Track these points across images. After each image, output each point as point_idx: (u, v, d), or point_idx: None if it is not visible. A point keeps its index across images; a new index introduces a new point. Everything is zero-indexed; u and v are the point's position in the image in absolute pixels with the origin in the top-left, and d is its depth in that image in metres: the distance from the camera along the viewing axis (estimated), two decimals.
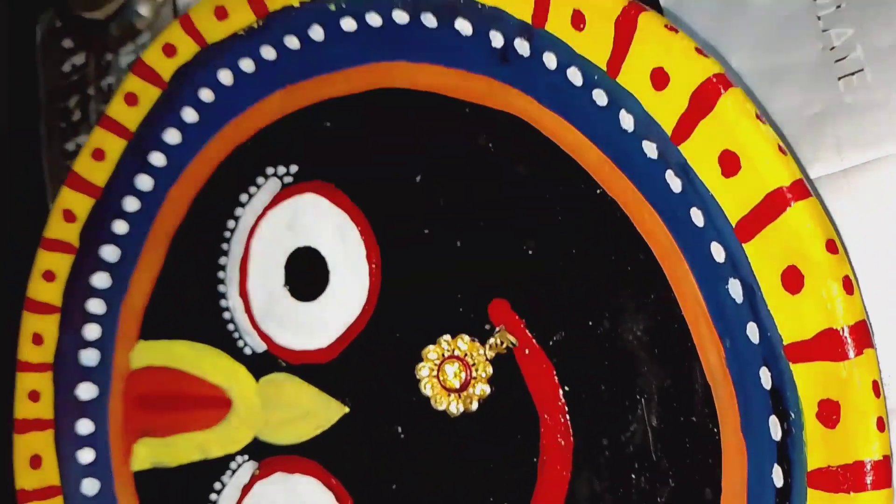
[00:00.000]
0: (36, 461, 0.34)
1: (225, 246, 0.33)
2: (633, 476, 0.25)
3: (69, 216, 0.34)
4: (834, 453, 0.20)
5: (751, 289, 0.21)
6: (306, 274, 0.32)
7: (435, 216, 0.29)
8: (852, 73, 0.25)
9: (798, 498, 0.21)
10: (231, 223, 0.33)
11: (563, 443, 0.26)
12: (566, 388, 0.26)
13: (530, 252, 0.27)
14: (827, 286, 0.20)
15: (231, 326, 0.33)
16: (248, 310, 0.33)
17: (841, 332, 0.20)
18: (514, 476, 0.27)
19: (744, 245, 0.21)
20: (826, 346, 0.20)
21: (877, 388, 0.19)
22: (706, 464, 0.24)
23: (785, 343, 0.21)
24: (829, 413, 0.20)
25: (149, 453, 0.34)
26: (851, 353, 0.20)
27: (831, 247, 0.20)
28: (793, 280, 0.20)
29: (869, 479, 0.19)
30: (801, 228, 0.20)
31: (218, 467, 0.33)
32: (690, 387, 0.24)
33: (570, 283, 0.26)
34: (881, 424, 0.19)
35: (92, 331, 0.35)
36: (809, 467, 0.20)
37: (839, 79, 0.25)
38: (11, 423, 0.35)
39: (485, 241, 0.28)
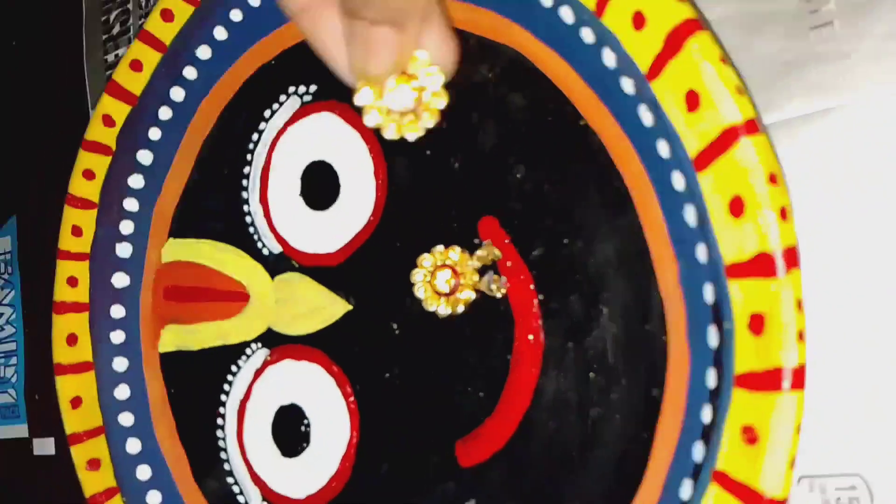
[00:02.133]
0: (72, 339, 0.38)
1: (249, 157, 0.37)
2: (592, 374, 0.28)
3: (108, 121, 0.38)
4: (760, 359, 0.23)
5: (703, 214, 0.24)
6: (320, 185, 0.35)
7: (437, 139, 0.32)
8: (823, 25, 0.27)
9: (725, 396, 0.24)
10: (255, 136, 0.36)
11: (533, 342, 0.29)
12: (540, 297, 0.29)
13: (519, 175, 0.30)
14: (765, 214, 0.22)
15: (252, 229, 0.37)
16: (267, 215, 0.36)
17: (773, 254, 0.22)
18: (490, 370, 0.30)
19: (699, 175, 0.24)
20: (760, 265, 0.23)
21: (800, 305, 0.22)
22: (655, 367, 0.27)
23: (726, 263, 0.24)
24: (758, 324, 0.23)
25: (174, 338, 0.38)
26: (781, 273, 0.22)
27: (773, 179, 0.23)
28: (737, 207, 0.23)
29: (787, 384, 0.22)
30: (748, 161, 0.23)
31: (235, 352, 0.36)
32: (647, 301, 0.27)
33: (551, 206, 0.29)
34: (801, 336, 0.22)
35: (127, 226, 0.38)
36: (738, 371, 0.23)
37: (811, 29, 0.27)
38: (51, 306, 0.39)
39: (480, 164, 0.31)
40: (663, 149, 0.25)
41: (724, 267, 0.24)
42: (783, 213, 0.23)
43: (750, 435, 0.23)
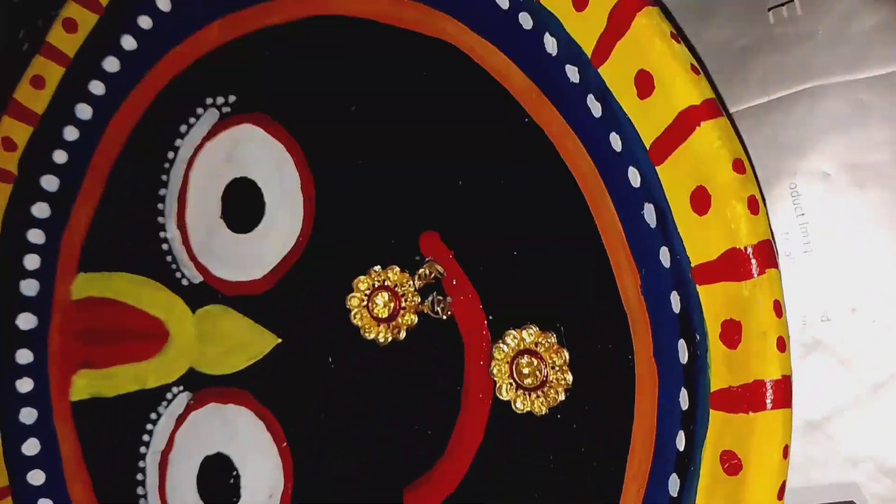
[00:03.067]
0: None
1: (164, 177, 0.33)
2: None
3: (9, 144, 0.34)
4: (735, 374, 0.20)
5: (663, 212, 0.21)
6: (243, 205, 0.31)
7: (369, 147, 0.29)
8: (782, 4, 0.24)
9: (701, 419, 0.21)
10: (170, 154, 0.33)
11: (485, 372, 0.26)
12: (490, 318, 0.26)
13: (460, 182, 0.27)
14: (731, 205, 0.20)
15: (169, 258, 0.33)
16: (185, 241, 0.33)
17: (744, 251, 0.20)
18: (438, 404, 0.27)
19: (657, 168, 0.21)
20: (729, 265, 0.20)
21: (778, 308, 0.19)
22: (620, 390, 0.24)
23: (693, 265, 0.21)
24: (732, 333, 0.20)
25: (87, 384, 0.34)
26: (754, 273, 0.19)
27: (738, 166, 0.20)
28: (700, 201, 0.20)
29: (769, 399, 0.19)
30: (709, 147, 0.20)
31: (154, 398, 0.33)
32: (607, 315, 0.24)
33: (496, 214, 0.26)
34: (781, 344, 0.19)
35: (32, 261, 0.34)
36: (712, 388, 0.20)
37: (769, 10, 0.25)
38: None
39: (417, 173, 0.28)
40: (615, 142, 0.23)
41: (690, 270, 0.21)
42: (752, 205, 0.20)
43: (730, 462, 0.20)
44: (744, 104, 0.25)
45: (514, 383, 0.25)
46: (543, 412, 0.25)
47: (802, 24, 0.24)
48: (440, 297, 0.27)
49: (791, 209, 0.24)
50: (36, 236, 0.34)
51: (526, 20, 0.24)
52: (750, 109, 0.24)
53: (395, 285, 0.28)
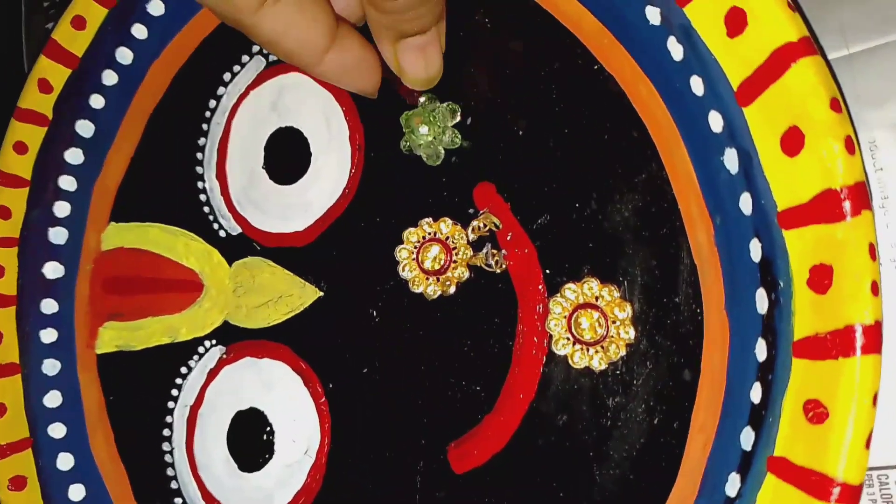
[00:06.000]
0: None
1: (205, 126, 0.32)
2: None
3: (45, 86, 0.33)
4: (824, 320, 0.19)
5: (748, 156, 0.21)
6: (287, 156, 0.31)
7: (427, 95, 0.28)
8: None
9: (781, 369, 0.20)
10: (212, 103, 0.32)
11: (540, 326, 0.25)
12: (547, 272, 0.25)
13: (521, 132, 0.26)
14: (828, 145, 0.19)
15: (206, 209, 0.32)
16: (224, 192, 0.32)
17: (839, 193, 0.19)
18: (488, 359, 0.26)
19: (744, 109, 0.21)
20: (823, 207, 0.19)
21: (872, 251, 0.19)
22: (686, 346, 0.23)
23: (779, 209, 0.20)
24: (821, 278, 0.19)
25: (115, 336, 0.33)
26: (849, 215, 0.19)
27: (835, 105, 0.19)
28: (792, 141, 0.20)
29: (859, 344, 0.18)
30: (805, 86, 0.19)
31: (185, 351, 0.32)
32: (675, 268, 0.23)
33: (559, 164, 0.25)
34: (875, 288, 0.19)
35: (62, 208, 0.33)
36: (796, 337, 0.20)
37: None
38: None
39: (475, 122, 0.27)
40: (697, 86, 0.22)
41: (776, 215, 0.20)
42: (849, 145, 0.19)
43: (815, 411, 0.19)
44: (843, 52, 0.24)
45: (571, 338, 0.25)
46: (602, 368, 0.24)
47: None
48: (494, 251, 0.26)
49: (869, 162, 0.23)
50: (68, 183, 0.33)
51: None
52: (852, 56, 0.24)
53: (447, 238, 0.27)
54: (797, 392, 0.19)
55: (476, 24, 0.27)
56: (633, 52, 0.24)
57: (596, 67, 0.25)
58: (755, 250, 0.21)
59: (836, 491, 0.18)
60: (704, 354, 0.23)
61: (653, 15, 0.23)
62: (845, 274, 0.19)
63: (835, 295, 0.19)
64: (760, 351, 0.21)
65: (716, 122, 0.22)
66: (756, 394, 0.21)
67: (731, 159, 0.21)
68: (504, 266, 0.26)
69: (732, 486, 0.21)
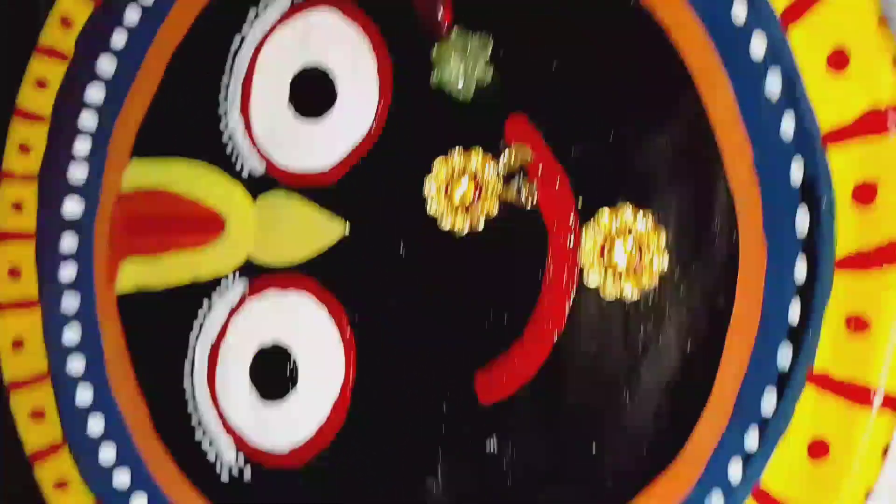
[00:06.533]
0: (14, 272, 0.33)
1: (229, 63, 0.32)
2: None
3: (66, 23, 0.33)
4: (868, 236, 0.19)
5: (790, 79, 0.21)
6: (313, 93, 0.30)
7: (457, 25, 0.28)
8: None
9: (822, 286, 0.20)
10: (237, 41, 0.32)
11: (571, 256, 0.25)
12: (580, 202, 0.26)
13: (554, 64, 0.26)
14: (876, 61, 0.19)
15: (230, 147, 0.32)
16: (248, 130, 0.31)
17: (884, 111, 0.19)
18: (517, 289, 0.26)
19: (790, 29, 0.21)
20: (869, 125, 0.19)
21: None
22: (721, 272, 0.23)
23: (823, 132, 0.20)
24: (866, 195, 0.19)
25: (134, 273, 0.33)
26: (894, 130, 0.19)
27: (882, 23, 0.19)
28: (839, 59, 0.20)
29: None
30: (854, 2, 0.19)
31: (207, 287, 0.31)
32: (712, 195, 0.24)
33: (592, 95, 0.26)
34: None
35: (83, 145, 0.33)
36: (838, 255, 0.20)
37: None
38: None
39: (507, 54, 0.27)
40: (739, 9, 0.22)
41: (820, 136, 0.20)
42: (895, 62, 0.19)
43: (857, 323, 0.19)
44: None
45: (603, 266, 0.25)
46: (634, 297, 0.24)
47: None
48: (526, 184, 0.26)
49: None
50: (89, 119, 0.33)
51: None
52: None
53: (477, 172, 0.27)
54: (838, 305, 0.20)
55: None
56: None
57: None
58: (797, 172, 0.21)
59: (878, 399, 0.18)
60: (740, 278, 0.23)
61: None
62: (891, 189, 0.19)
63: (880, 210, 0.19)
64: (800, 270, 0.21)
65: (758, 45, 0.22)
66: (795, 311, 0.21)
67: (772, 84, 0.22)
68: (535, 199, 0.26)
69: (769, 402, 0.21)
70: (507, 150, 0.27)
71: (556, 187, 0.26)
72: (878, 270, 0.19)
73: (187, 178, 0.32)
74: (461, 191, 0.27)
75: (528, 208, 0.26)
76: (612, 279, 0.25)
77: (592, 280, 0.25)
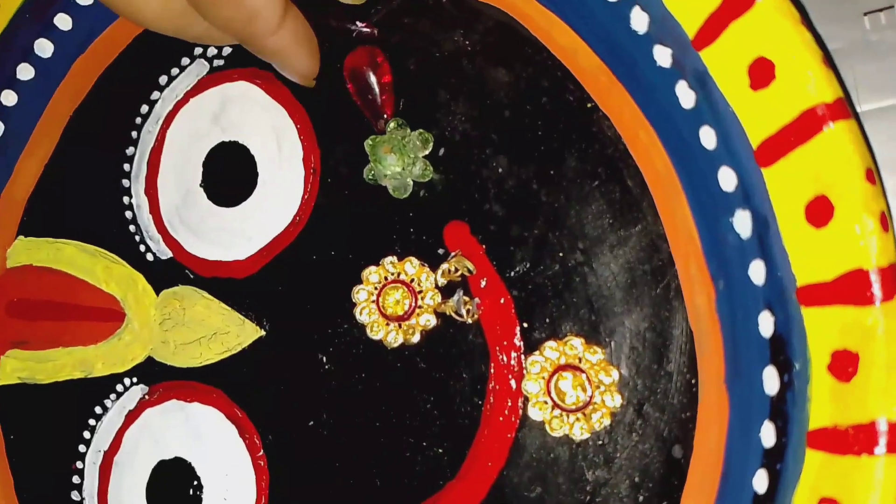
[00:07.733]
0: None
1: (134, 134, 0.29)
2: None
3: None
4: (845, 411, 0.17)
5: (764, 221, 0.19)
6: (229, 175, 0.27)
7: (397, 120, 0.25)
8: (880, 10, 0.22)
9: (792, 459, 0.18)
10: (145, 108, 0.28)
11: (515, 386, 0.23)
12: (524, 325, 0.23)
13: (500, 169, 0.24)
14: (862, 220, 0.17)
15: (133, 228, 0.28)
16: (154, 210, 0.28)
17: (870, 274, 0.17)
18: (454, 419, 0.23)
19: (763, 170, 0.19)
20: (851, 288, 0.17)
21: None
22: (678, 419, 0.21)
23: (799, 284, 0.18)
24: (845, 365, 0.17)
25: (18, 367, 0.29)
26: (879, 299, 0.17)
27: (870, 176, 0.17)
28: (820, 212, 0.18)
29: (884, 441, 0.17)
30: (840, 152, 0.17)
31: (101, 388, 0.28)
32: (669, 332, 0.21)
33: (541, 207, 0.23)
34: None
35: None
36: (811, 426, 0.18)
37: (865, 14, 0.22)
38: None
39: (448, 155, 0.24)
40: (708, 138, 0.20)
41: (794, 290, 0.18)
42: (883, 222, 0.17)
43: None
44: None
45: (550, 402, 0.22)
46: (583, 438, 0.22)
47: None
48: (467, 298, 0.24)
49: None
50: None
51: None
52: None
53: (413, 280, 0.24)
54: (811, 487, 0.18)
55: (455, 46, 0.24)
56: (634, 93, 0.22)
57: (590, 106, 0.23)
58: (766, 324, 0.19)
59: None
60: (698, 430, 0.21)
61: (662, 56, 0.20)
62: (873, 363, 0.17)
63: (860, 385, 0.17)
64: (768, 436, 0.19)
65: (727, 180, 0.20)
66: (761, 483, 0.19)
67: (742, 222, 0.19)
68: (476, 316, 0.24)
69: None
70: (448, 260, 0.24)
71: (500, 306, 0.23)
72: (852, 456, 0.17)
73: (82, 261, 0.29)
74: (394, 299, 0.24)
75: (470, 322, 0.24)
76: (559, 416, 0.22)
77: (537, 415, 0.22)
